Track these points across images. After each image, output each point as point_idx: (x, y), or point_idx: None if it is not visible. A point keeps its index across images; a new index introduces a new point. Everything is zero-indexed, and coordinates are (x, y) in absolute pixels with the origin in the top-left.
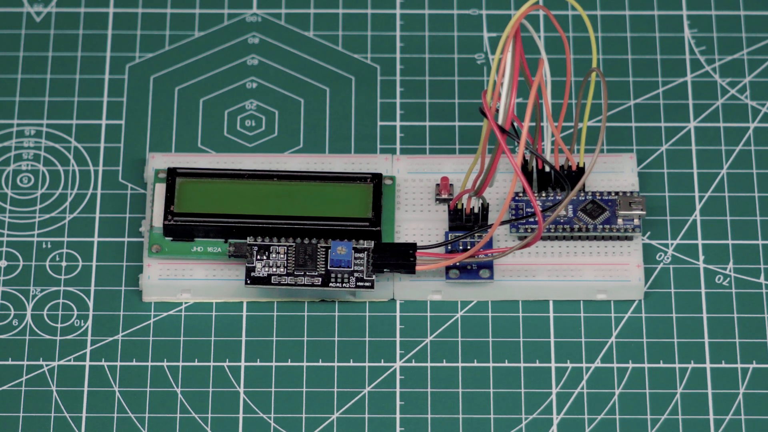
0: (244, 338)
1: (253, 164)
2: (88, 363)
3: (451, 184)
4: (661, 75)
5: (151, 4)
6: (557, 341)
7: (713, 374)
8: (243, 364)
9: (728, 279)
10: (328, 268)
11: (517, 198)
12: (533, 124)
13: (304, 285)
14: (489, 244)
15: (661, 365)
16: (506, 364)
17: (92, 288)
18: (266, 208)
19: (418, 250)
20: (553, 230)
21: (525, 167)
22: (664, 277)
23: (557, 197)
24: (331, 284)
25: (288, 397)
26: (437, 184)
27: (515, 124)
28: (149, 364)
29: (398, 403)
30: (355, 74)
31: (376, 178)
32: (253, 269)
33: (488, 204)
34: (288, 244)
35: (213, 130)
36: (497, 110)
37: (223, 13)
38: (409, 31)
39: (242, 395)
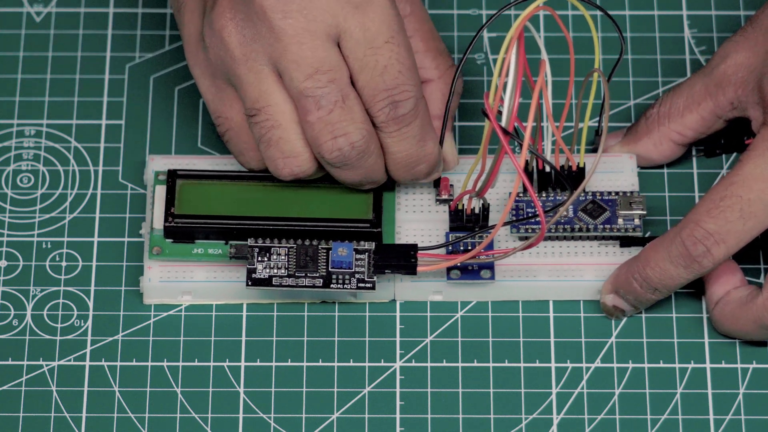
0: (244, 338)
1: None
2: (88, 363)
3: (451, 185)
4: (661, 75)
5: (151, 4)
6: (557, 341)
7: (713, 374)
8: (243, 364)
9: None
10: (329, 269)
11: (517, 198)
12: (534, 124)
13: (305, 287)
14: (490, 245)
15: (661, 365)
16: (506, 364)
17: (92, 288)
18: (267, 209)
19: (419, 251)
20: (553, 230)
21: (525, 168)
22: None
23: (558, 198)
24: (332, 285)
25: (288, 397)
26: (437, 185)
27: (516, 124)
28: (149, 364)
29: (398, 403)
30: None
31: None
32: (254, 271)
33: (489, 204)
34: (289, 245)
35: (213, 130)
36: (499, 111)
37: None
38: None
39: (242, 395)
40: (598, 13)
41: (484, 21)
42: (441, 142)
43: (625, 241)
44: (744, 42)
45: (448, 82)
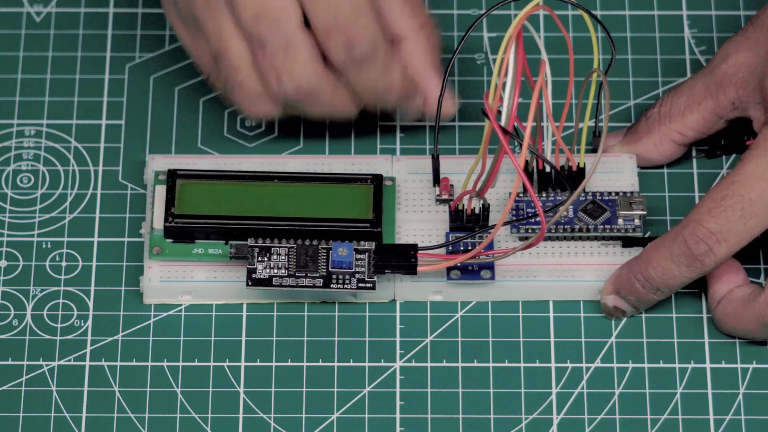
0: (244, 338)
1: (253, 165)
2: (88, 363)
3: (452, 185)
4: (661, 75)
5: (151, 4)
6: (557, 341)
7: (713, 374)
8: (243, 364)
9: None
10: (330, 269)
11: (517, 198)
12: (534, 124)
13: (305, 287)
14: (490, 245)
15: (661, 365)
16: (506, 364)
17: (92, 288)
18: (267, 209)
19: (419, 251)
20: (553, 230)
21: (525, 168)
22: None
23: (558, 198)
24: (332, 285)
25: (288, 397)
26: (437, 185)
27: (516, 124)
28: (149, 364)
29: (398, 403)
30: None
31: (377, 179)
32: (254, 271)
33: (489, 204)
34: (289, 245)
35: (213, 130)
36: (499, 111)
37: None
38: None
39: (242, 395)
40: (598, 12)
41: (484, 21)
42: (441, 96)
43: (627, 242)
44: (745, 42)
45: (426, 35)
